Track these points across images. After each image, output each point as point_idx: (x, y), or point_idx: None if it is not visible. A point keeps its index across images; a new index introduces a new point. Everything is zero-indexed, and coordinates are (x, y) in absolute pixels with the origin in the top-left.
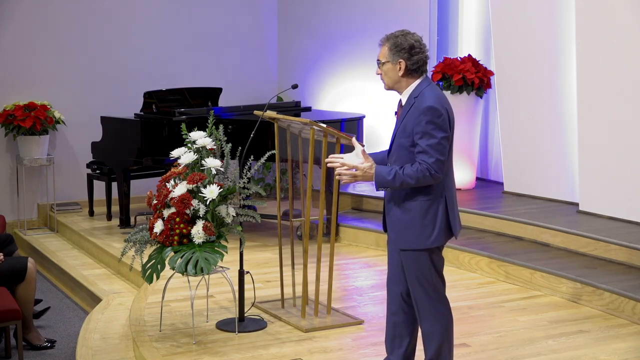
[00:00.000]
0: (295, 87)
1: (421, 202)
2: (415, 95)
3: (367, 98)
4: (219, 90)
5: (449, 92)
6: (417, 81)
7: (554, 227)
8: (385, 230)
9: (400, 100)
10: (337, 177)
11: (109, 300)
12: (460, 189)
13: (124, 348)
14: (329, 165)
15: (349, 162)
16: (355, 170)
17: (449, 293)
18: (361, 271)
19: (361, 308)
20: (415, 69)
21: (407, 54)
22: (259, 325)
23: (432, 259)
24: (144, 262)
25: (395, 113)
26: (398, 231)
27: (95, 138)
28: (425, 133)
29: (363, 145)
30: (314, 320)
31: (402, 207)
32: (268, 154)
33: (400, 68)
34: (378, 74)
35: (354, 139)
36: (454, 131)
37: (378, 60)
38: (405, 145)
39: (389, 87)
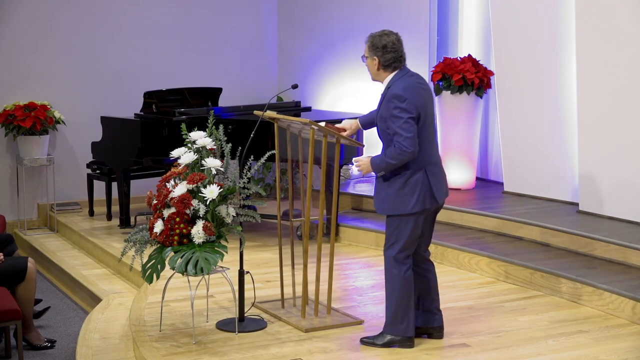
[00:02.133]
0: (295, 87)
1: (401, 175)
2: (388, 87)
3: (367, 98)
4: (219, 90)
5: (449, 92)
6: (392, 74)
7: (554, 227)
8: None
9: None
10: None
11: (109, 300)
12: (460, 189)
13: (124, 348)
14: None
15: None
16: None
17: (449, 293)
18: (361, 271)
19: (361, 308)
20: (388, 64)
21: (381, 52)
22: (259, 325)
23: (409, 225)
24: (144, 262)
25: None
26: (380, 201)
27: (95, 138)
28: (393, 117)
29: (363, 145)
30: (314, 320)
31: (385, 182)
32: (268, 154)
33: (375, 63)
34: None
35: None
36: (429, 112)
37: (362, 55)
38: (384, 130)
39: (373, 79)
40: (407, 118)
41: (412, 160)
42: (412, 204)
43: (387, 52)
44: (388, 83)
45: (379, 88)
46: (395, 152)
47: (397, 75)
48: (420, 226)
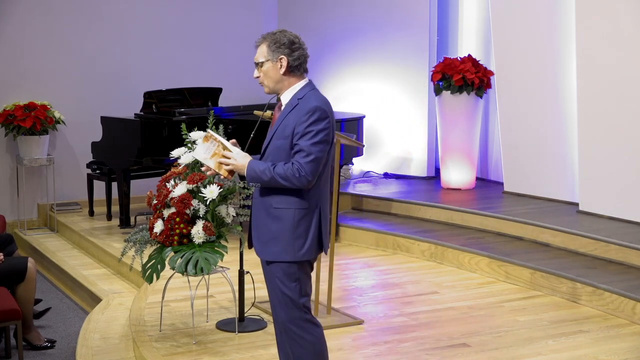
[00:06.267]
0: None
1: (295, 210)
2: (299, 97)
3: (367, 98)
4: (219, 90)
5: (449, 92)
6: (302, 83)
7: (554, 227)
8: (251, 245)
9: (280, 101)
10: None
11: (109, 300)
12: (460, 189)
13: (124, 348)
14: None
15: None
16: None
17: (449, 293)
18: (361, 271)
19: (361, 308)
20: (297, 65)
21: (288, 49)
22: (259, 325)
23: (299, 275)
24: (144, 262)
25: (272, 114)
26: (265, 241)
27: (95, 138)
28: (306, 133)
29: (363, 145)
30: None
31: (271, 215)
32: None
33: (281, 65)
34: (257, 77)
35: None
36: (334, 141)
37: (255, 62)
38: (283, 148)
39: (270, 90)
40: (322, 140)
41: (309, 192)
42: (305, 250)
43: (295, 49)
44: (298, 93)
45: (378, 88)
46: (288, 172)
47: (309, 86)
48: (308, 280)
